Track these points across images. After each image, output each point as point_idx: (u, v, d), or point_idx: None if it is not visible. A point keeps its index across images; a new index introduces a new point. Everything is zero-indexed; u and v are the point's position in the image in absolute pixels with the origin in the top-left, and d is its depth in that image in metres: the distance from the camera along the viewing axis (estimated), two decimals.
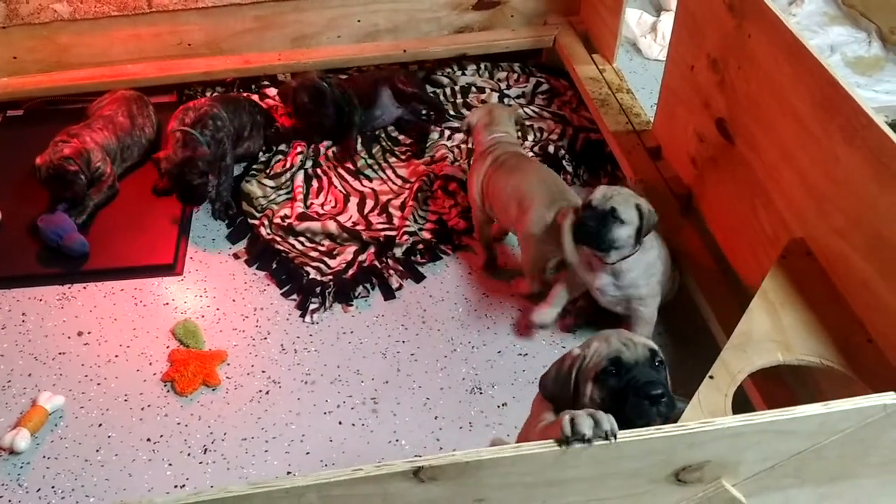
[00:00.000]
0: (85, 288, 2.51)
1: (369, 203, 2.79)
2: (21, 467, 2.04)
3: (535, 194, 2.27)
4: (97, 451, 2.08)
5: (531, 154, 2.89)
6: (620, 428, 1.13)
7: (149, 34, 3.13)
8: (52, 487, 2.00)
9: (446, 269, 2.54)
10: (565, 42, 3.21)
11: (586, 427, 1.12)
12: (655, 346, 1.44)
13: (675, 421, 1.25)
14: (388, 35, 3.28)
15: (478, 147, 2.55)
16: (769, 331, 1.71)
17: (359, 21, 3.22)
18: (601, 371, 1.40)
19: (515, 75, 3.30)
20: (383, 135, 3.06)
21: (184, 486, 2.00)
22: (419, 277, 2.53)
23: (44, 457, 2.06)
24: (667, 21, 3.52)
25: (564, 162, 2.86)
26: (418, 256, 2.58)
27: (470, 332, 2.34)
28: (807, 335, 1.71)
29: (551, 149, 2.89)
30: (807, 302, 1.77)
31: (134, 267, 2.55)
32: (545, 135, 3.02)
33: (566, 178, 2.80)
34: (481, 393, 2.19)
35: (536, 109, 3.14)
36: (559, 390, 1.46)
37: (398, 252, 2.57)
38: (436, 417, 2.13)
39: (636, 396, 1.35)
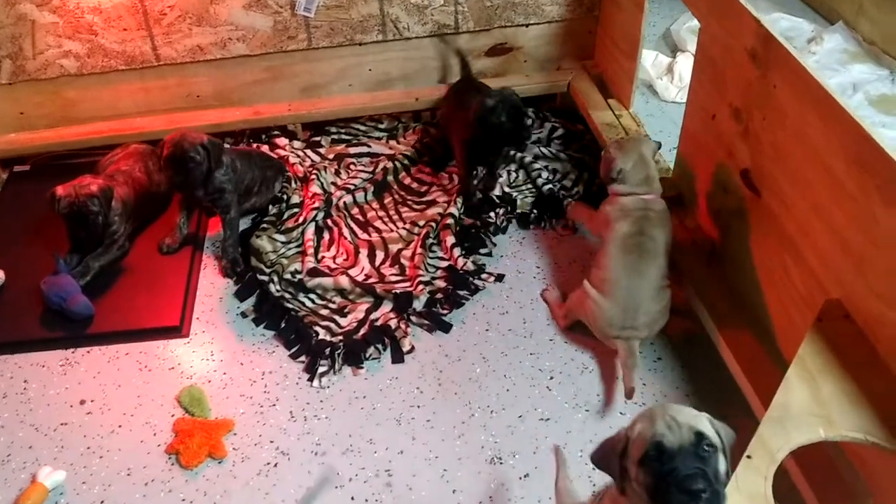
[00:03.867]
0: (89, 352, 2.43)
1: (379, 254, 2.71)
2: None
3: (612, 292, 2.22)
4: None
5: (530, 195, 2.84)
6: None
7: (157, 87, 3.09)
8: None
9: (462, 327, 2.44)
10: (580, 87, 3.13)
11: None
12: (704, 427, 1.34)
13: None
14: (400, 83, 3.22)
15: (623, 199, 2.34)
16: (809, 403, 1.59)
17: (370, 70, 3.17)
18: (644, 456, 1.31)
19: (530, 121, 3.22)
20: (395, 185, 2.99)
21: None
22: (446, 327, 2.44)
23: None
24: (683, 62, 3.45)
25: (566, 203, 2.79)
26: (439, 307, 2.49)
27: (488, 394, 2.24)
28: (849, 407, 1.59)
29: (560, 195, 2.84)
30: (847, 369, 1.65)
31: (139, 330, 2.47)
32: (557, 176, 2.94)
33: (564, 225, 2.79)
34: (502, 463, 2.07)
35: (553, 151, 3.06)
36: (607, 471, 1.42)
37: (418, 305, 2.48)
38: (454, 491, 2.02)
39: (677, 489, 1.25)
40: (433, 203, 2.87)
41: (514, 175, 2.98)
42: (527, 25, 3.14)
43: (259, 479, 2.07)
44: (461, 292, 2.53)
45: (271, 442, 2.16)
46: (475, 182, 2.87)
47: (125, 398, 2.29)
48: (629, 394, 2.12)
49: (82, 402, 2.28)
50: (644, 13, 2.71)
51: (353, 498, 2.02)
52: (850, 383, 1.63)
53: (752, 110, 2.06)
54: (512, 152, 3.02)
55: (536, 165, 2.98)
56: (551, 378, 2.27)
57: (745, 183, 2.14)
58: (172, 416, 2.23)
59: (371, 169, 3.06)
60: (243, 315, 2.52)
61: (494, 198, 2.85)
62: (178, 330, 2.47)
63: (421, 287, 2.52)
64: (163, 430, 2.20)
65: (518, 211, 2.83)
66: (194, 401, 2.25)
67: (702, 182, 2.40)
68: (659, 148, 2.50)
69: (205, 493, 2.05)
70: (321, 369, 2.33)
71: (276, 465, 2.10)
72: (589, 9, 3.12)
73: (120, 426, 2.22)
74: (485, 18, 3.09)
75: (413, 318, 2.46)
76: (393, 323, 2.44)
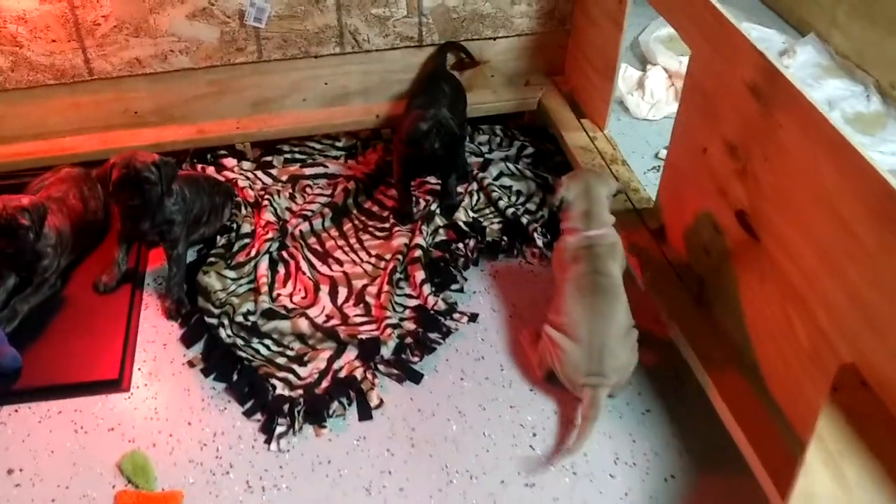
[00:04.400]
0: (16, 411, 2.16)
1: (342, 291, 2.49)
2: None
3: (577, 335, 2.05)
4: None
5: (496, 221, 2.66)
6: None
7: (90, 103, 2.80)
8: None
9: (435, 376, 2.24)
10: (551, 105, 2.96)
11: None
12: None
13: None
14: (359, 98, 2.99)
15: (568, 237, 2.18)
16: (834, 491, 1.44)
17: (326, 84, 2.93)
18: None
19: (498, 139, 3.03)
20: (354, 210, 2.77)
21: None
22: (418, 378, 2.23)
23: None
24: (655, 76, 3.30)
25: (536, 235, 2.61)
26: (409, 353, 2.28)
27: (467, 456, 2.05)
28: (876, 493, 1.45)
29: (524, 220, 2.65)
30: (871, 447, 1.51)
31: (73, 384, 2.20)
32: (521, 199, 2.76)
33: (532, 253, 2.60)
34: None
35: (520, 168, 2.88)
36: None
37: (386, 352, 2.27)
38: None
39: None
40: (396, 231, 2.66)
41: (475, 197, 2.78)
42: (494, 38, 2.94)
43: None
44: (432, 335, 2.33)
45: None
46: (430, 206, 2.70)
47: (59, 466, 2.03)
48: (569, 451, 1.99)
49: (10, 472, 2.02)
50: (623, 32, 2.54)
51: None
52: (876, 462, 1.49)
53: (750, 148, 1.91)
54: (473, 171, 2.83)
55: (496, 186, 2.79)
56: (534, 435, 2.09)
57: (742, 224, 1.99)
58: (114, 487, 1.99)
59: (329, 192, 2.83)
60: (190, 364, 2.28)
61: (462, 225, 2.65)
62: (117, 383, 2.22)
63: (389, 331, 2.31)
64: None
65: (488, 239, 2.63)
66: (138, 469, 2.01)
67: (688, 217, 2.24)
68: (617, 193, 2.31)
69: None
70: (279, 429, 2.10)
71: None
72: (560, 22, 2.94)
73: (53, 500, 1.96)
74: (450, 31, 2.88)
75: (381, 368, 2.25)
76: (359, 373, 2.23)
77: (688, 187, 2.23)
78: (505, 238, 2.62)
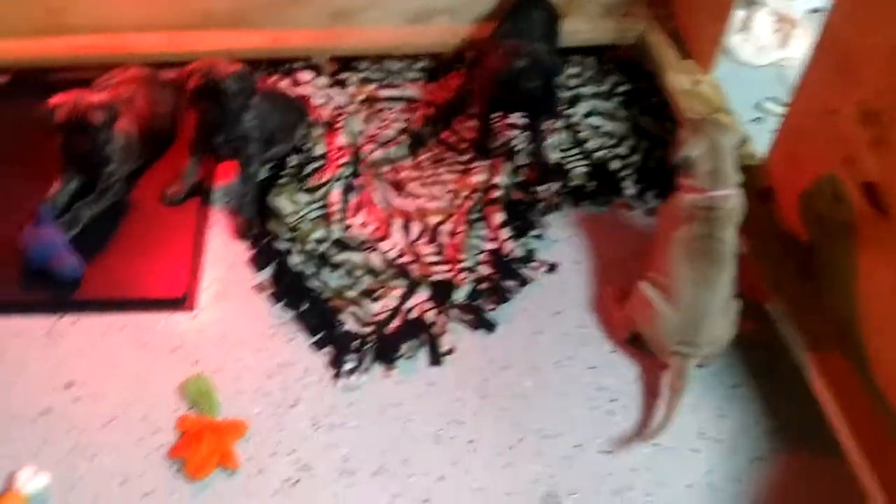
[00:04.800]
0: (77, 322, 2.09)
1: (415, 227, 2.35)
2: None
3: (677, 298, 1.91)
4: None
5: (582, 164, 2.48)
6: None
7: None
8: None
9: (509, 326, 2.12)
10: (652, 41, 2.73)
11: None
12: None
13: None
14: (444, 17, 2.78)
15: (686, 195, 1.98)
16: None
17: None
18: None
19: (589, 73, 2.83)
20: (431, 139, 2.60)
21: None
22: (491, 326, 2.12)
23: None
24: (761, 19, 3.04)
25: (626, 183, 2.44)
26: (484, 300, 2.17)
27: (540, 414, 1.95)
28: None
29: (613, 165, 2.49)
30: None
31: (137, 299, 2.13)
32: (612, 141, 2.58)
33: (623, 204, 2.42)
34: (559, 503, 1.81)
35: (613, 107, 2.68)
36: None
37: (459, 297, 2.15)
38: None
39: None
40: (474, 167, 2.50)
41: (560, 136, 2.59)
42: None
43: (277, 499, 1.79)
44: (508, 283, 2.20)
45: (291, 453, 1.87)
46: (512, 141, 2.53)
47: (120, 383, 1.97)
48: (654, 432, 1.86)
49: (69, 386, 1.96)
50: None
51: None
52: None
53: (894, 118, 1.71)
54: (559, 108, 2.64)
55: (585, 126, 2.61)
56: (613, 400, 1.98)
57: (869, 198, 1.81)
58: (176, 411, 1.93)
59: (405, 117, 2.67)
60: (259, 289, 2.19)
61: (545, 167, 2.48)
62: (182, 302, 2.14)
63: (463, 275, 2.19)
64: (164, 429, 1.89)
65: (573, 183, 2.47)
66: (202, 394, 1.94)
67: (803, 182, 2.06)
68: (743, 143, 2.11)
69: None
70: (348, 366, 2.02)
71: (296, 483, 1.82)
72: None
73: (114, 419, 1.91)
74: None
75: (453, 313, 2.14)
76: (430, 316, 2.12)
77: (807, 150, 2.04)
78: (592, 183, 2.45)
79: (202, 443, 1.84)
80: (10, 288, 2.11)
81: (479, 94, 2.50)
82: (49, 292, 2.11)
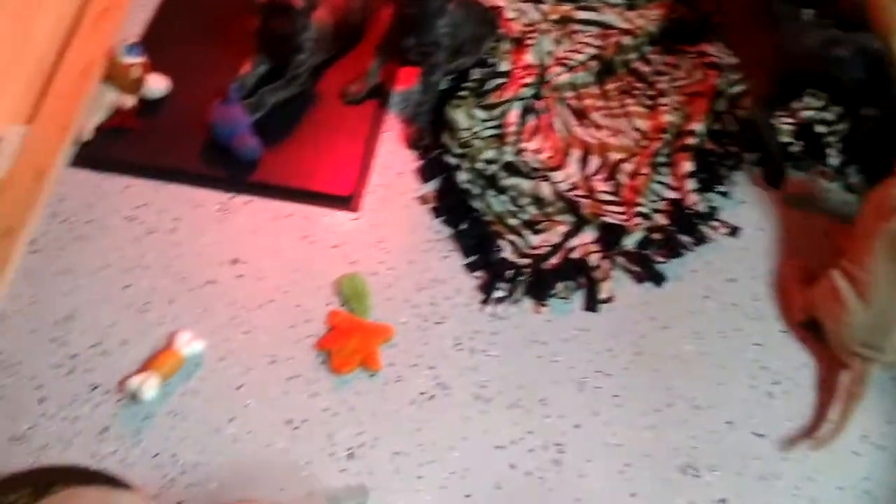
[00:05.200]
0: (249, 202, 2.15)
1: (593, 161, 2.24)
2: (143, 420, 1.76)
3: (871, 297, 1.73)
4: (230, 420, 1.78)
5: (784, 123, 2.24)
6: None
7: None
8: (174, 456, 1.72)
9: (677, 284, 2.00)
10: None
11: None
12: None
13: None
14: None
15: None
16: None
17: None
18: None
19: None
20: (623, 69, 2.44)
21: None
22: (659, 280, 2.01)
23: (170, 413, 1.78)
24: None
25: (830, 151, 2.21)
26: (653, 251, 2.05)
27: (695, 383, 1.84)
28: None
29: (818, 129, 2.24)
30: None
31: (306, 191, 2.15)
32: (818, 103, 2.30)
33: (823, 173, 2.18)
34: (697, 476, 1.71)
35: None
36: None
37: (629, 243, 2.05)
38: (632, 495, 1.69)
39: None
40: (662, 106, 2.33)
41: None
42: None
43: (412, 409, 1.80)
44: (684, 238, 2.07)
45: (431, 368, 1.86)
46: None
47: (281, 269, 2.02)
48: (826, 438, 1.71)
49: (234, 262, 2.03)
50: None
51: (512, 466, 1.73)
52: None
53: None
54: None
55: None
56: (776, 383, 1.84)
57: None
58: (328, 305, 1.96)
59: (598, 43, 2.51)
60: (422, 200, 2.16)
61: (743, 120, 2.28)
62: (347, 201, 2.15)
63: (637, 220, 2.07)
64: (315, 319, 1.93)
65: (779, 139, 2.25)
66: (356, 293, 1.96)
67: None
68: None
69: (352, 407, 1.80)
70: (498, 294, 1.97)
71: (431, 398, 1.82)
72: None
73: (271, 301, 1.96)
74: None
75: (619, 259, 2.04)
76: (593, 259, 2.03)
77: None
78: (797, 143, 2.23)
79: (350, 340, 1.86)
80: (195, 159, 2.19)
81: (761, 74, 2.29)
82: (227, 170, 2.17)
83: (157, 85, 2.27)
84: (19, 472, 1.65)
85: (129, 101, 2.24)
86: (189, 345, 1.84)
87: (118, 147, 2.19)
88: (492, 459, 1.73)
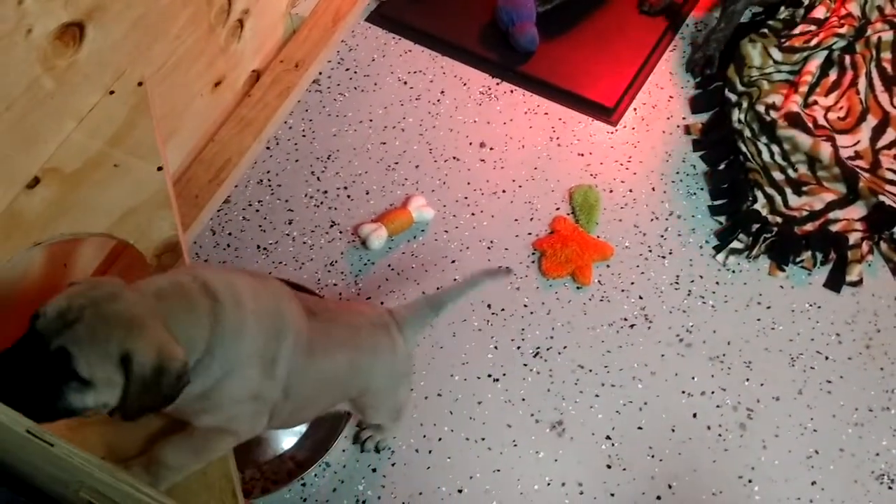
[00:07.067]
0: (511, 92, 2.17)
1: (890, 134, 1.99)
2: (364, 264, 1.91)
3: None
4: (437, 289, 1.87)
5: None
6: None
7: None
8: (381, 304, 1.86)
9: None
10: None
11: None
12: None
13: None
14: None
15: None
16: None
17: None
18: None
19: None
20: None
21: (498, 381, 1.74)
22: None
23: (388, 266, 1.91)
24: None
25: None
26: None
27: None
28: None
29: None
30: None
31: (569, 92, 2.13)
32: None
33: None
34: (891, 488, 1.54)
35: None
36: None
37: None
38: (812, 483, 1.56)
39: None
40: None
41: None
42: None
43: (609, 331, 1.78)
44: None
45: (640, 298, 1.82)
46: None
47: (523, 163, 2.05)
48: None
49: (482, 146, 2.09)
50: None
51: (695, 415, 1.66)
52: None
53: None
54: None
55: None
56: None
57: None
58: (557, 209, 1.96)
59: None
60: (686, 130, 2.06)
61: None
62: (608, 113, 2.10)
63: None
64: (541, 219, 1.95)
65: None
66: (586, 205, 1.94)
67: None
68: None
69: (548, 312, 1.82)
70: (735, 245, 1.85)
71: (632, 327, 1.78)
72: None
73: (503, 191, 2.01)
74: None
75: (883, 245, 1.82)
76: (854, 237, 1.83)
77: None
78: None
79: (567, 247, 1.86)
80: (473, 38, 2.24)
81: None
82: (501, 56, 2.21)
83: None
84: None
85: None
86: (421, 210, 1.95)
87: (410, 13, 2.30)
88: (676, 403, 1.67)
